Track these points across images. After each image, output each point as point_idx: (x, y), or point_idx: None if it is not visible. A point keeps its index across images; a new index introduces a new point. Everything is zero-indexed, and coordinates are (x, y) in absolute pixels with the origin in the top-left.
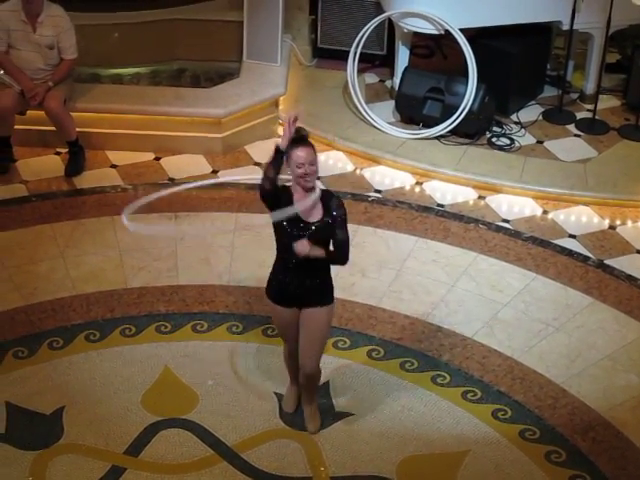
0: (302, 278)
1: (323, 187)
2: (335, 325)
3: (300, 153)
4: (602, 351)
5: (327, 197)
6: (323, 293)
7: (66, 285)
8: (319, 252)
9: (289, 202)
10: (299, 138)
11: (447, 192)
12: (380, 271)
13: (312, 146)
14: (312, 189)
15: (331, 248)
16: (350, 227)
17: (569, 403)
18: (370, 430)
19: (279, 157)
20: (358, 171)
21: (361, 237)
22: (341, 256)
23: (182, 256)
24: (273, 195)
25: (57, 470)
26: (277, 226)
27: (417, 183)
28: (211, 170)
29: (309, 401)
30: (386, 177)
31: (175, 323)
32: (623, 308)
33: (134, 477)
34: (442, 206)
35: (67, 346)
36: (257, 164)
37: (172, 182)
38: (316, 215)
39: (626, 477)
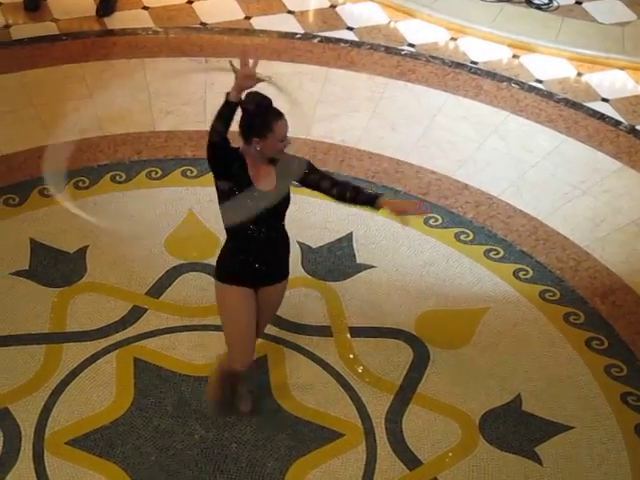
0: (271, 250)
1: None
2: (362, 177)
3: (284, 128)
4: (628, 216)
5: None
6: (286, 263)
7: (94, 125)
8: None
9: (242, 171)
10: (273, 109)
11: (481, 49)
12: (409, 126)
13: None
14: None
15: None
16: (381, 80)
17: (591, 266)
18: (391, 283)
19: (230, 109)
20: (392, 24)
21: (392, 91)
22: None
23: (211, 101)
24: (224, 153)
25: (79, 307)
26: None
27: (451, 39)
28: (244, 16)
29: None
30: (420, 31)
31: (201, 168)
32: None
33: (155, 318)
34: (475, 63)
35: (93, 186)
36: (290, 12)
37: (204, 26)
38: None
39: None
